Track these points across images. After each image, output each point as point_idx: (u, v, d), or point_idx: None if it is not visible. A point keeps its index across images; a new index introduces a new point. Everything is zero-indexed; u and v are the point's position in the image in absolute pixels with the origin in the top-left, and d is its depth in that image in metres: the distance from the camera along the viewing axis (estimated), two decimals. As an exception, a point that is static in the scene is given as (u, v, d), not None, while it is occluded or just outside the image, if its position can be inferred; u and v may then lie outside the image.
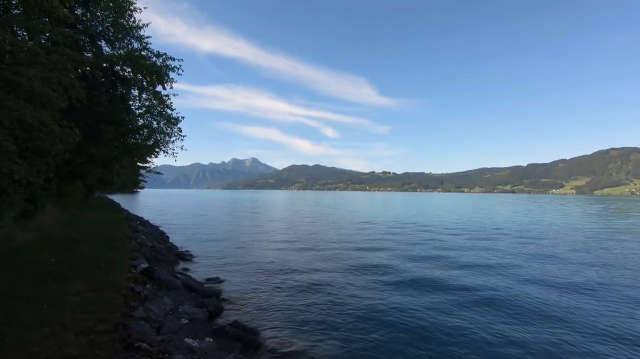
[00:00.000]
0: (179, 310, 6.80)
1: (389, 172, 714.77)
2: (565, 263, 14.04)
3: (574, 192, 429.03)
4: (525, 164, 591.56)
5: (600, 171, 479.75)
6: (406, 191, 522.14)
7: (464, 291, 10.07)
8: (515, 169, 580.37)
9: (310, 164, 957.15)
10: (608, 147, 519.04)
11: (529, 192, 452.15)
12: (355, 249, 16.66)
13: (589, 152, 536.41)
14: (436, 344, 6.63)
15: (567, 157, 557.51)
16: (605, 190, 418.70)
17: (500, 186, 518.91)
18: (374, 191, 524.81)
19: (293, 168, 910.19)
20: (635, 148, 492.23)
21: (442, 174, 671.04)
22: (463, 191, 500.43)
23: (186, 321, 6.30)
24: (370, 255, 15.31)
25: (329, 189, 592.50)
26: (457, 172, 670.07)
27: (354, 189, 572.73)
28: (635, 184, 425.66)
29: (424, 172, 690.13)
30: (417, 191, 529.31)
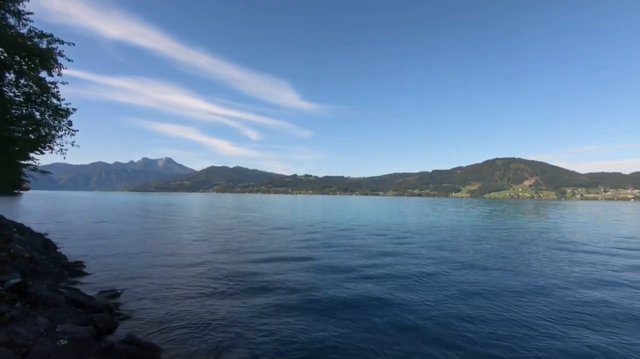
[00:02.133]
0: (57, 330, 6.11)
1: (311, 176, 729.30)
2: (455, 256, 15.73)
3: (469, 195, 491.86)
4: (430, 171, 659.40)
5: (488, 177, 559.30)
6: (327, 194, 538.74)
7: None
8: (423, 175, 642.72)
9: (231, 165, 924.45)
10: (494, 157, 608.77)
11: (434, 195, 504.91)
12: (269, 255, 16.17)
13: (480, 161, 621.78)
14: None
15: (464, 165, 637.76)
16: (492, 194, 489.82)
17: (410, 190, 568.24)
18: (296, 194, 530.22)
19: (212, 169, 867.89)
20: (514, 158, 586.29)
21: (360, 178, 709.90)
22: (378, 194, 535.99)
23: (65, 342, 5.65)
24: (284, 258, 15.22)
25: (251, 191, 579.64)
26: (373, 177, 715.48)
27: (276, 192, 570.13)
28: (514, 189, 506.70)
29: (343, 176, 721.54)
30: (336, 194, 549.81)
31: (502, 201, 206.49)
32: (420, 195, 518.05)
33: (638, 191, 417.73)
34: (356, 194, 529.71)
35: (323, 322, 7.94)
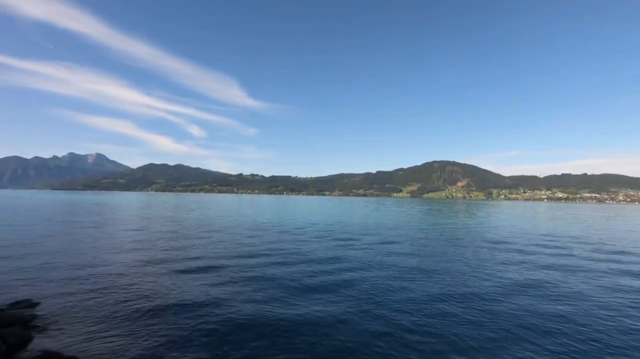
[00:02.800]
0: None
1: (257, 175, 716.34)
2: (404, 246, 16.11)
3: (409, 195, 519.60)
4: (374, 171, 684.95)
5: (426, 178, 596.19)
6: (273, 193, 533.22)
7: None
8: (367, 176, 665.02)
9: (172, 163, 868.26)
10: (432, 160, 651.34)
11: (377, 195, 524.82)
12: (203, 262, 15.65)
13: (420, 163, 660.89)
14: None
15: (405, 167, 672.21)
16: (430, 194, 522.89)
17: (355, 190, 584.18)
18: (242, 193, 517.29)
19: (151, 167, 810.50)
20: (450, 161, 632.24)
21: (307, 178, 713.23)
22: (325, 194, 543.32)
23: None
24: (220, 259, 15.04)
25: (193, 191, 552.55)
26: (320, 177, 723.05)
27: (220, 192, 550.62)
28: (448, 190, 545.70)
29: (290, 176, 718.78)
30: (284, 193, 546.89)
31: (439, 201, 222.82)
32: (365, 195, 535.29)
33: (550, 192, 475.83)
34: (303, 194, 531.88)
35: (261, 341, 7.88)
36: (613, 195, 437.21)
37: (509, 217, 53.34)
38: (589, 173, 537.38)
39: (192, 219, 36.58)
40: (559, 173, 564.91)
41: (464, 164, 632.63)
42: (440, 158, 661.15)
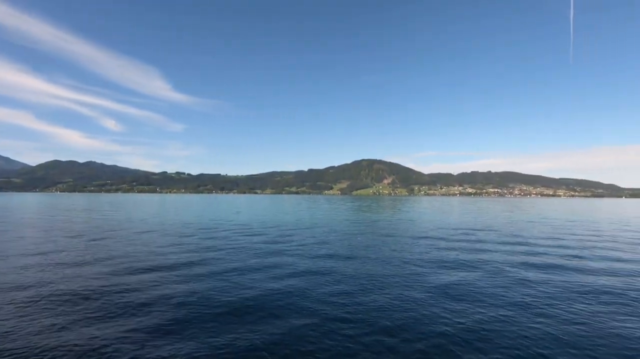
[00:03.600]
0: None
1: (184, 173, 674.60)
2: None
3: (339, 192, 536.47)
4: (306, 169, 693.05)
5: (356, 176, 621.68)
6: (202, 193, 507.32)
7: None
8: (299, 173, 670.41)
9: (82, 160, 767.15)
10: (361, 158, 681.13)
11: (309, 193, 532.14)
12: (119, 267, 13.53)
13: (349, 161, 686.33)
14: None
15: (336, 165, 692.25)
16: (359, 191, 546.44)
17: (287, 188, 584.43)
18: (166, 193, 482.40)
19: (55, 165, 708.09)
20: (377, 160, 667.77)
21: (238, 176, 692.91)
22: (256, 193, 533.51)
23: None
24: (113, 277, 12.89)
25: (108, 191, 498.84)
26: (251, 175, 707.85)
27: (141, 191, 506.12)
28: (375, 187, 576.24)
29: (220, 174, 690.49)
30: (213, 192, 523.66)
31: (367, 198, 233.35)
32: (297, 193, 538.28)
33: (462, 187, 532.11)
34: (234, 193, 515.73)
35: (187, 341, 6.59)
36: (511, 190, 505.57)
37: (432, 211, 57.49)
38: (492, 171, 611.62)
39: (83, 223, 32.07)
40: (469, 171, 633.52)
41: (390, 162, 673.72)
42: (368, 157, 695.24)
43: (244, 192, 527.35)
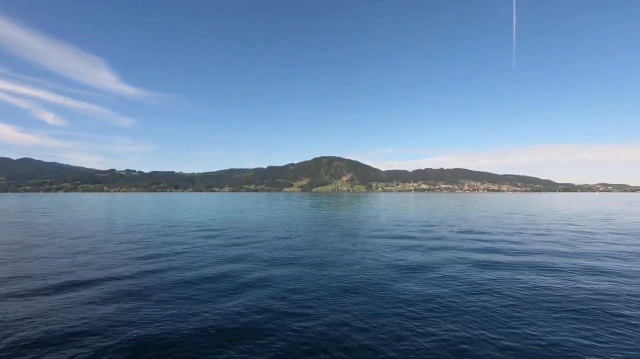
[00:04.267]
0: None
1: (134, 171, 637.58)
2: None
3: (299, 190, 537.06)
4: (266, 167, 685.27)
5: (315, 173, 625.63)
6: (155, 191, 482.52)
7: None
8: (259, 171, 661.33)
9: (15, 157, 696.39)
10: (321, 156, 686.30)
11: (269, 191, 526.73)
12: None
13: (309, 159, 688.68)
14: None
15: (296, 162, 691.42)
16: (319, 188, 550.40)
17: (246, 186, 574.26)
18: (115, 191, 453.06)
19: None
20: (336, 157, 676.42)
21: (194, 173, 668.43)
22: (214, 191, 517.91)
23: None
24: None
25: (48, 190, 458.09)
26: (208, 173, 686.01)
27: (86, 191, 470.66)
28: (335, 184, 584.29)
29: (174, 172, 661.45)
30: (167, 191, 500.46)
31: (327, 195, 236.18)
32: (256, 191, 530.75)
33: (417, 184, 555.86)
34: (189, 191, 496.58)
35: None
36: (461, 186, 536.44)
37: (391, 207, 59.18)
38: (444, 168, 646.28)
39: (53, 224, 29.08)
40: (423, 168, 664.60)
41: (349, 160, 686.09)
42: (328, 154, 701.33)
43: (201, 191, 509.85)
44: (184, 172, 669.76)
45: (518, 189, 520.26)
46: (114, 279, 11.33)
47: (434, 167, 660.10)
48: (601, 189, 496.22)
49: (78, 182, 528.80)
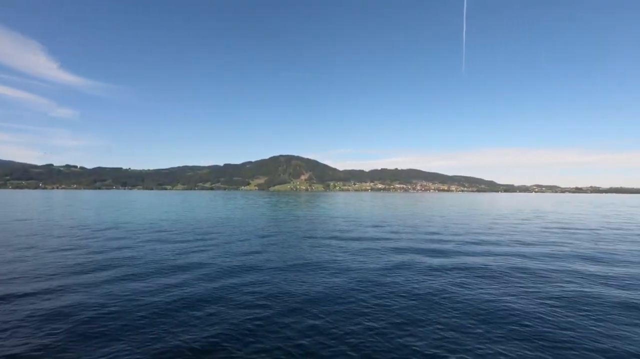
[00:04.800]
0: None
1: (75, 167, 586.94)
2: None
3: (257, 188, 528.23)
4: (222, 164, 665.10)
5: (273, 171, 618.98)
6: (99, 188, 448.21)
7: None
8: (214, 168, 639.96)
9: None
10: (279, 154, 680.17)
11: (225, 189, 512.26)
12: None
13: (267, 157, 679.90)
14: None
15: (253, 160, 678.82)
16: (277, 187, 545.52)
17: (201, 184, 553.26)
18: (52, 188, 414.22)
19: None
20: (294, 156, 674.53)
21: (144, 170, 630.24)
22: (166, 189, 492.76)
23: None
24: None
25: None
26: (160, 169, 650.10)
27: (17, 187, 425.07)
28: (293, 183, 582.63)
29: (122, 168, 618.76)
30: (113, 188, 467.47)
31: (286, 193, 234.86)
32: (212, 189, 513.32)
33: (373, 183, 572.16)
34: (138, 189, 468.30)
35: None
36: (414, 185, 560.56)
37: (348, 206, 60.07)
38: (399, 168, 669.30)
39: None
40: (379, 168, 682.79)
41: (307, 158, 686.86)
42: (286, 153, 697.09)
43: (151, 188, 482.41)
44: (133, 168, 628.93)
45: (465, 189, 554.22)
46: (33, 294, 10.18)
47: (389, 168, 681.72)
48: (536, 189, 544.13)
49: (8, 177, 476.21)
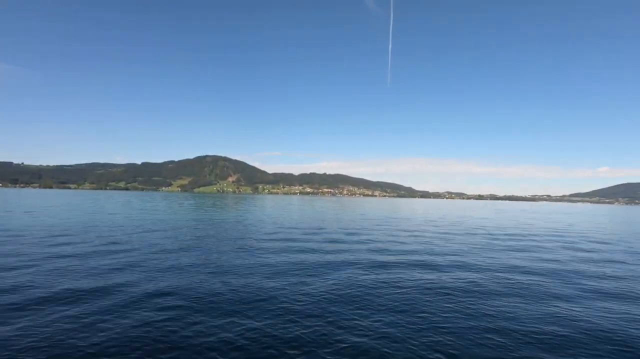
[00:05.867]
0: None
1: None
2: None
3: (180, 189, 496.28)
4: (140, 162, 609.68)
5: (199, 172, 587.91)
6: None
7: None
8: (130, 167, 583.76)
9: None
10: (205, 154, 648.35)
11: (143, 189, 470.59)
12: None
13: (192, 157, 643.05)
14: None
15: (176, 159, 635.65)
16: (202, 188, 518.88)
17: (114, 183, 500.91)
18: None
19: None
20: (222, 157, 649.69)
21: (42, 166, 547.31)
22: (70, 187, 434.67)
23: None
24: None
25: None
26: (62, 165, 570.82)
27: None
28: (220, 184, 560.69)
29: (13, 163, 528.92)
30: (0, 185, 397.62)
31: (212, 195, 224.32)
32: (127, 189, 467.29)
33: (302, 187, 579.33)
34: (34, 187, 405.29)
35: None
36: (341, 190, 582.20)
37: (278, 210, 59.56)
38: (327, 173, 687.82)
39: None
40: (308, 172, 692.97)
41: (235, 160, 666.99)
42: (213, 153, 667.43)
43: (51, 187, 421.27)
44: (28, 163, 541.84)
45: (387, 194, 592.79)
46: None
47: (318, 172, 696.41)
48: (447, 196, 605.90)
49: None
